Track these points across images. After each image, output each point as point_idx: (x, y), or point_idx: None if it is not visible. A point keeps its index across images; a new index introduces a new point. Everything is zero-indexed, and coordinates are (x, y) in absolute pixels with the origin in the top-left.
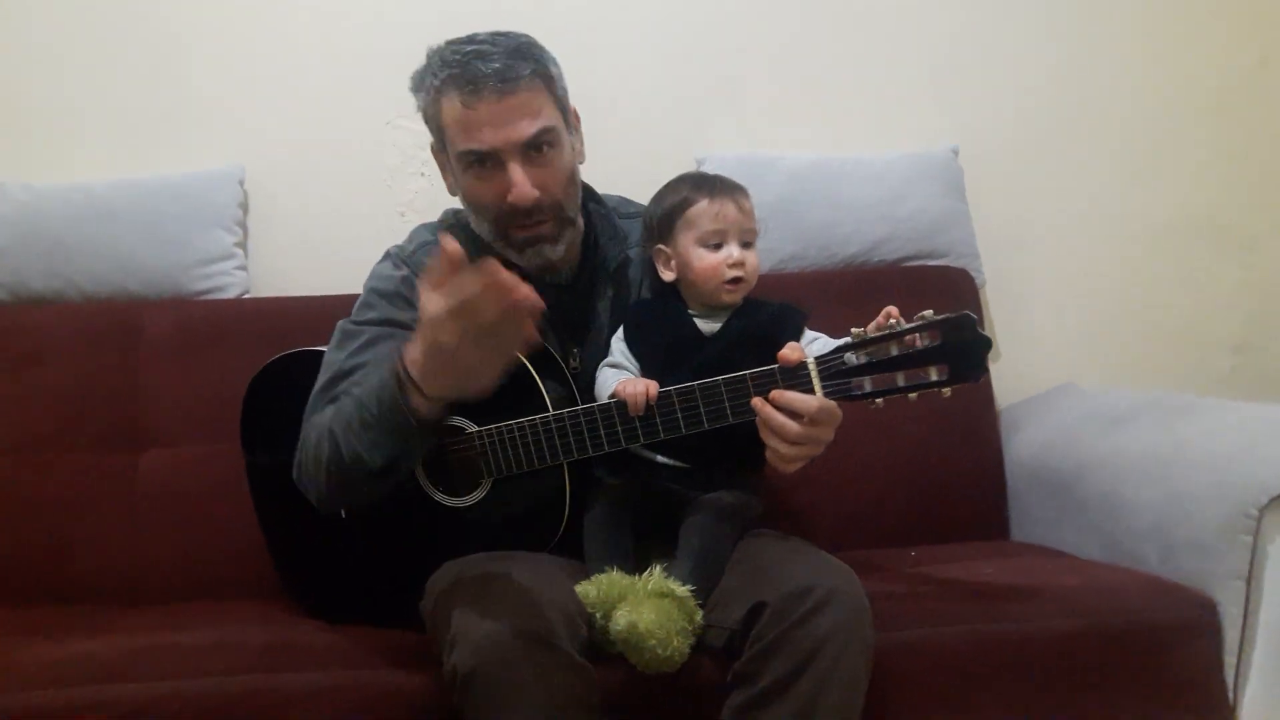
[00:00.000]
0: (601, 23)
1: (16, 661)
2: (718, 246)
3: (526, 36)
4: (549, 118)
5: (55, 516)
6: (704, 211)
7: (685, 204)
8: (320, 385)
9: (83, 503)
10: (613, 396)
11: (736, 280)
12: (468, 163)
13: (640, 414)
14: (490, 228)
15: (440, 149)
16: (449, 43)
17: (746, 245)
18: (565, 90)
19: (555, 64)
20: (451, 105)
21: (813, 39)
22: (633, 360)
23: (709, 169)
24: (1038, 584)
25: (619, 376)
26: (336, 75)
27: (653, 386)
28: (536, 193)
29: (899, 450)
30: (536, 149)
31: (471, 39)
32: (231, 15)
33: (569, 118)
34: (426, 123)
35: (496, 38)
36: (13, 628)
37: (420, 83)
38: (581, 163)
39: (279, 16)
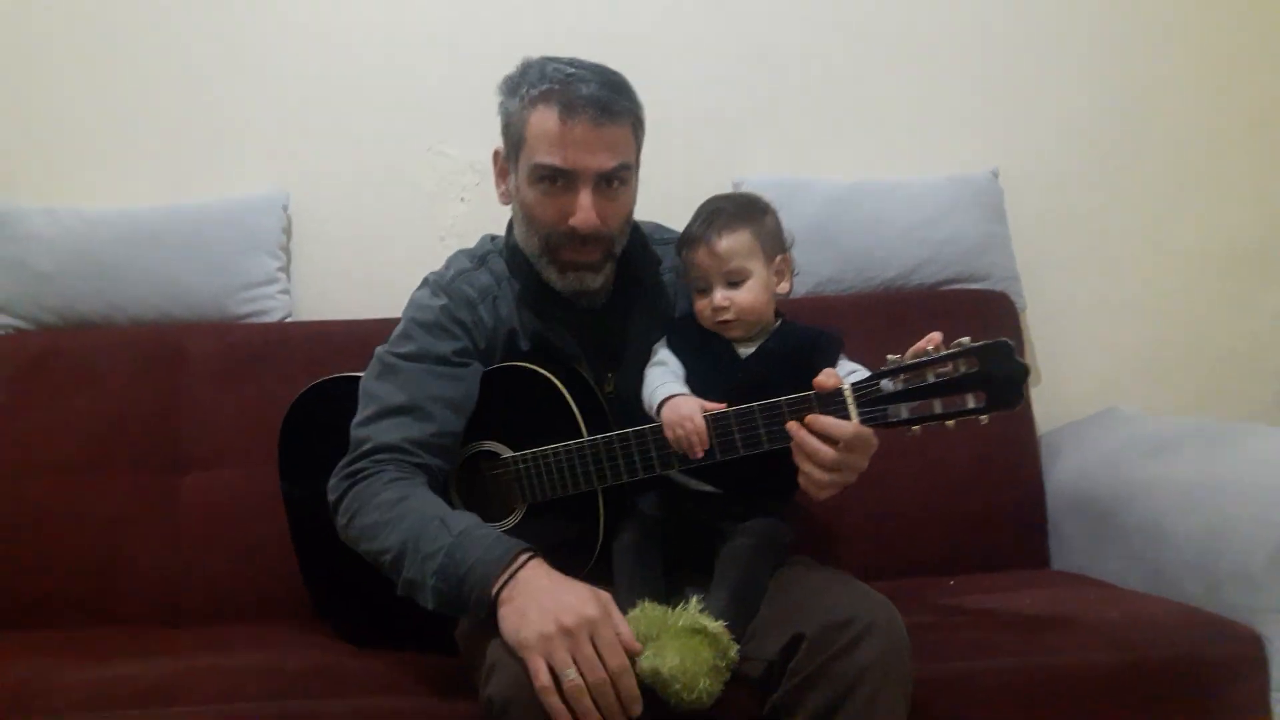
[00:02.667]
0: (640, 45)
1: (59, 683)
2: (703, 290)
3: (623, 76)
4: (628, 157)
5: (98, 537)
6: (687, 258)
7: (678, 246)
8: (362, 418)
9: (126, 523)
10: (661, 405)
11: (724, 321)
12: (540, 176)
13: (699, 454)
14: (539, 243)
15: (509, 156)
16: (550, 59)
17: (734, 284)
18: (643, 137)
19: (643, 109)
20: (543, 118)
21: (851, 61)
22: (678, 361)
23: (747, 190)
24: (1078, 616)
25: (665, 377)
26: (379, 102)
27: (699, 420)
28: (599, 223)
29: (936, 476)
30: (609, 182)
31: (574, 62)
32: (277, 44)
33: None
34: (505, 127)
35: (598, 68)
36: (56, 648)
37: (513, 88)
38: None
39: (324, 45)
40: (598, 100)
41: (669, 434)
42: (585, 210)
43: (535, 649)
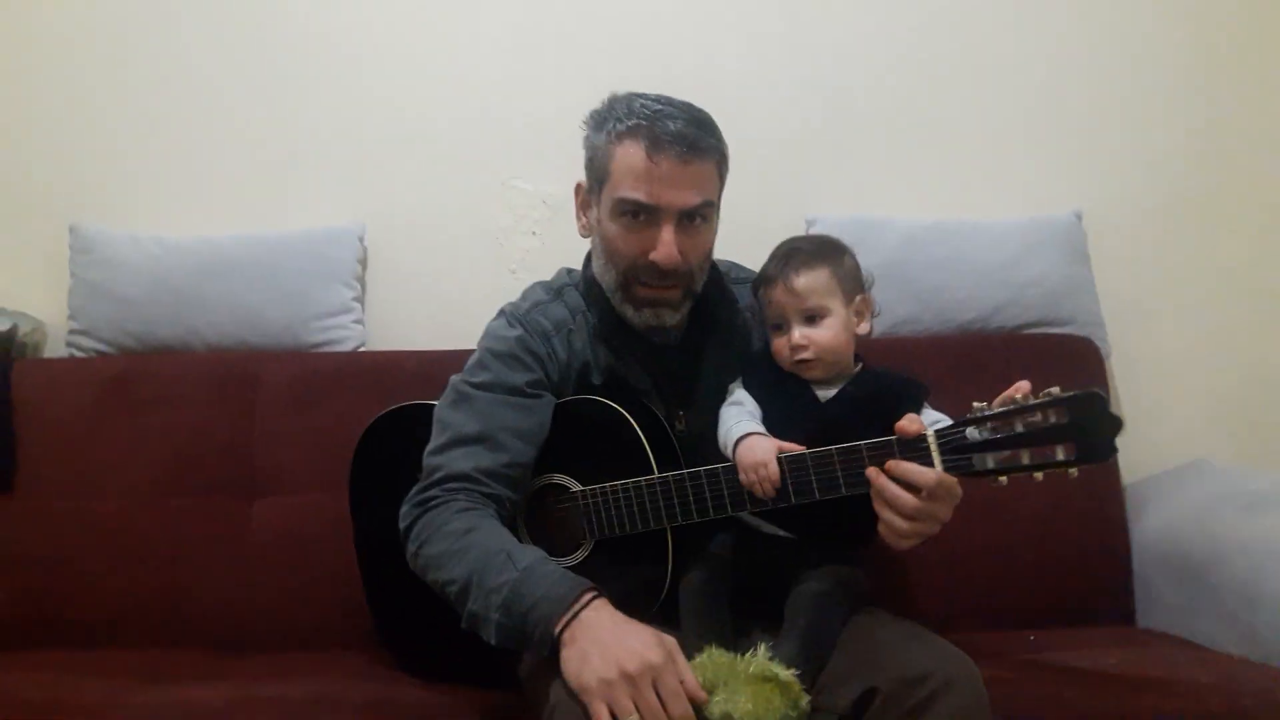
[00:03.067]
0: (716, 84)
1: (124, 704)
2: (779, 328)
3: (709, 114)
4: (712, 194)
5: (169, 560)
6: (764, 296)
7: (756, 285)
8: (436, 446)
9: (196, 547)
10: (736, 444)
11: (803, 361)
12: (623, 210)
13: (770, 496)
14: (617, 277)
15: (592, 189)
16: (637, 95)
17: (812, 320)
18: (727, 175)
19: (727, 148)
20: (630, 152)
21: (927, 100)
22: (755, 403)
23: (819, 230)
24: (1168, 677)
25: (742, 416)
26: (456, 137)
27: (773, 467)
28: (680, 259)
29: (1017, 526)
30: (691, 219)
31: (661, 99)
32: (356, 79)
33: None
34: (590, 160)
35: (685, 105)
36: (124, 670)
37: (600, 122)
38: None
39: (402, 80)
40: (684, 137)
41: (742, 476)
42: (667, 245)
43: (597, 694)
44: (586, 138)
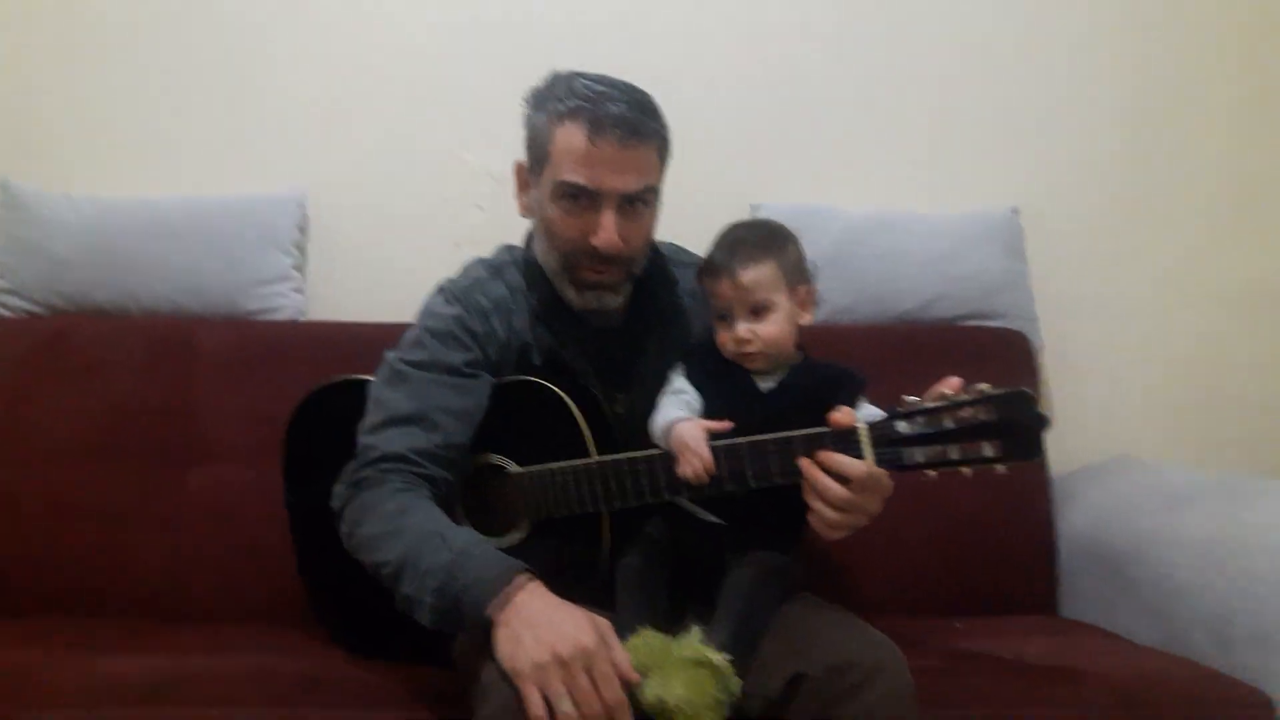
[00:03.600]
0: (660, 68)
1: (51, 676)
2: (724, 319)
3: (651, 97)
4: (653, 179)
5: (101, 527)
6: (708, 287)
7: (700, 273)
8: (370, 425)
9: (128, 515)
10: (669, 428)
11: (747, 353)
12: (564, 193)
13: (704, 481)
14: (558, 260)
15: (532, 169)
16: (579, 74)
17: (757, 313)
18: (669, 160)
19: (669, 132)
20: (571, 134)
21: (873, 91)
22: (696, 394)
23: (765, 216)
24: (1086, 668)
25: (678, 405)
26: (402, 106)
27: (704, 452)
28: (620, 244)
29: (946, 516)
30: (632, 203)
31: (603, 80)
32: (302, 42)
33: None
34: (530, 140)
35: (627, 88)
36: (52, 639)
37: (541, 102)
38: None
39: (349, 46)
40: (626, 121)
41: (677, 467)
42: (608, 230)
43: (530, 678)
44: (526, 116)
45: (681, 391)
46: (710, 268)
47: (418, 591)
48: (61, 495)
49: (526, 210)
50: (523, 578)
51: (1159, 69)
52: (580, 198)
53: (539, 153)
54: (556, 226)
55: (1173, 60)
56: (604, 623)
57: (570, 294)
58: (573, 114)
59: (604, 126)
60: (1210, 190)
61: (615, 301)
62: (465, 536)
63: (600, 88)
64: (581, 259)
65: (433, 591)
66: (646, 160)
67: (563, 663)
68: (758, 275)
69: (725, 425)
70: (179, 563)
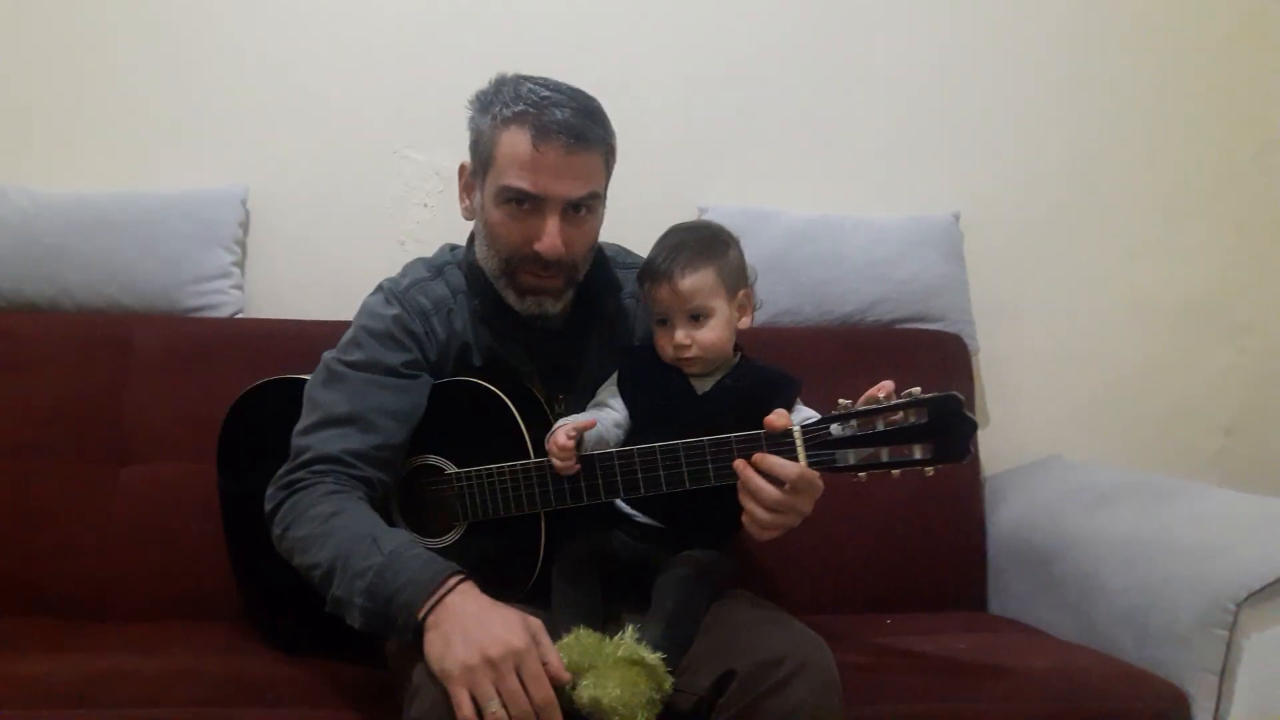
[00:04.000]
0: (608, 69)
1: None
2: (663, 323)
3: (598, 102)
4: (598, 185)
5: (30, 524)
6: (648, 292)
7: (640, 277)
8: (304, 426)
9: (59, 514)
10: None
11: (684, 359)
12: (507, 198)
13: (569, 473)
14: (500, 264)
15: (475, 172)
16: (525, 78)
17: (696, 319)
18: (614, 165)
19: (614, 137)
20: (515, 140)
21: (819, 96)
22: (621, 404)
23: (711, 218)
24: (1010, 664)
25: (592, 413)
26: (346, 102)
27: (560, 434)
28: (564, 250)
29: (879, 514)
30: (576, 210)
31: (549, 84)
32: (245, 35)
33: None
34: (475, 144)
35: (573, 93)
36: None
37: (485, 105)
38: None
39: (293, 40)
40: (571, 127)
41: (550, 443)
42: (551, 237)
43: (459, 680)
44: (471, 119)
45: (603, 405)
46: (650, 272)
47: (348, 594)
48: None
49: (469, 213)
50: (454, 579)
51: (1099, 81)
52: (524, 203)
53: (483, 157)
54: (499, 231)
55: (1112, 73)
56: (536, 622)
57: (511, 298)
58: (518, 119)
59: (549, 132)
60: (1144, 201)
61: (556, 307)
62: (398, 539)
63: (546, 92)
64: (523, 264)
65: (362, 593)
66: (591, 166)
67: (491, 663)
68: (696, 282)
69: (591, 422)
70: (109, 562)
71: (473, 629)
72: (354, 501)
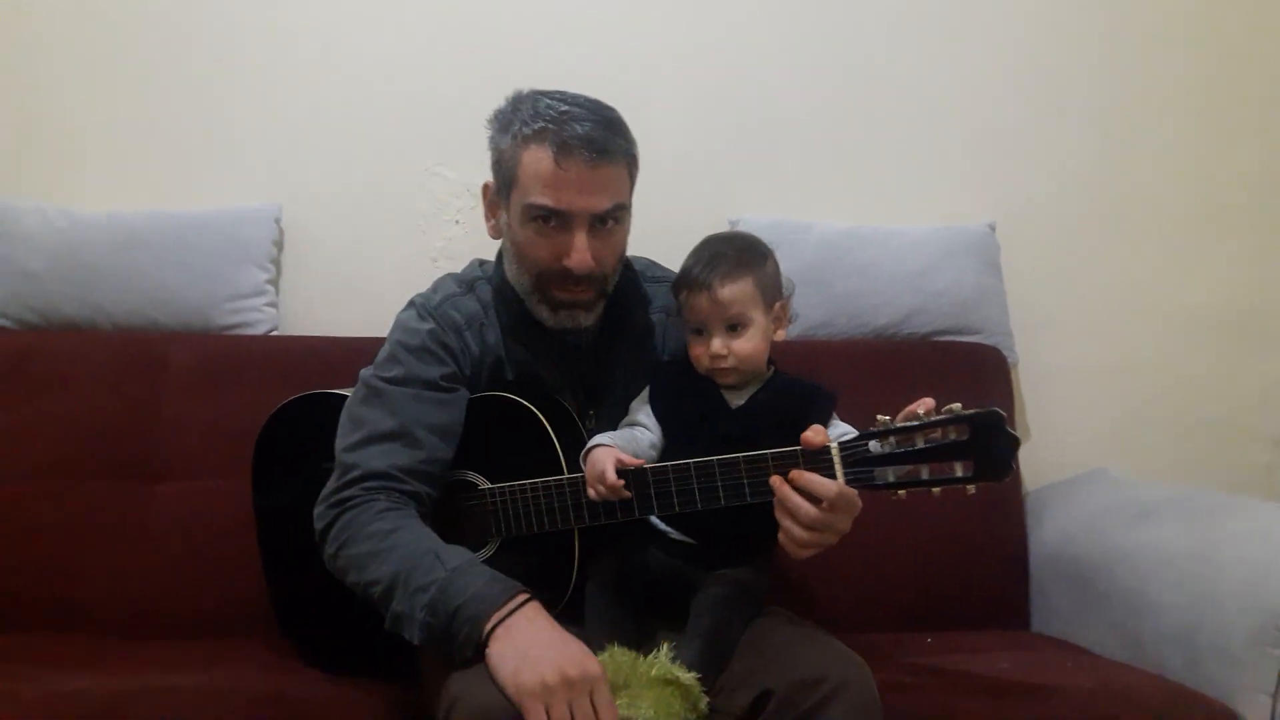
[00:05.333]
0: (638, 82)
1: (16, 692)
2: (699, 333)
3: (617, 112)
4: (623, 196)
5: (66, 542)
6: (684, 300)
7: (677, 286)
8: (350, 443)
9: (95, 530)
10: (586, 452)
11: (721, 368)
12: (533, 215)
13: (600, 500)
14: (530, 281)
15: (500, 191)
16: (542, 93)
17: (734, 329)
18: (637, 175)
19: (636, 147)
20: (537, 157)
21: (852, 106)
22: (655, 422)
23: (743, 230)
24: (1055, 684)
25: (627, 433)
26: (378, 120)
27: (610, 471)
28: (594, 264)
29: (919, 529)
30: (603, 222)
31: (565, 98)
32: (278, 56)
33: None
34: (497, 163)
35: (591, 104)
36: (11, 655)
37: (505, 124)
38: None
39: (325, 60)
40: (592, 141)
41: (590, 490)
42: (580, 252)
43: (536, 696)
44: (491, 139)
45: (637, 424)
46: (687, 281)
47: (409, 609)
48: (26, 509)
49: (495, 231)
50: (522, 596)
51: (1136, 89)
52: (550, 220)
53: (506, 176)
54: (528, 249)
55: (1149, 81)
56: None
57: (544, 313)
58: (538, 136)
59: (571, 148)
60: (1186, 210)
61: (589, 319)
62: (460, 555)
63: (564, 107)
64: (554, 280)
65: (425, 608)
66: (615, 178)
67: (570, 684)
68: (735, 291)
69: (639, 462)
70: (145, 579)
71: (546, 649)
72: (411, 518)
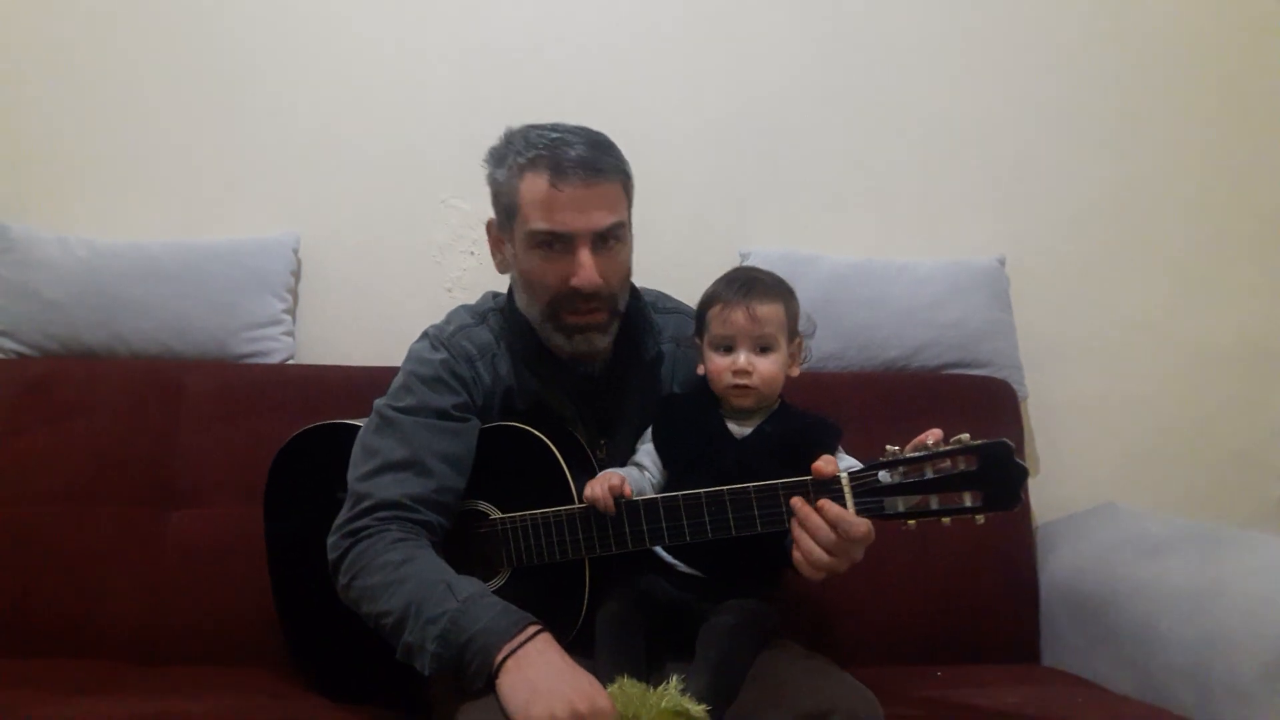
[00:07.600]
0: (649, 117)
1: (25, 716)
2: (728, 350)
3: (606, 135)
4: (622, 213)
5: (82, 568)
6: (717, 315)
7: (708, 303)
8: (362, 473)
9: (111, 557)
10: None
11: (742, 386)
12: (537, 242)
13: (612, 514)
14: (542, 309)
15: (503, 225)
16: (533, 126)
17: (763, 350)
18: (634, 193)
19: (629, 166)
20: (534, 184)
21: (861, 140)
22: (656, 461)
23: (753, 263)
24: (1064, 719)
25: (627, 470)
26: (394, 152)
27: (614, 483)
28: (601, 281)
29: (928, 562)
30: (605, 240)
31: (555, 127)
32: (296, 89)
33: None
34: (496, 197)
35: (580, 130)
36: (28, 680)
37: (500, 158)
38: None
39: (342, 93)
40: (585, 161)
41: (589, 495)
42: (586, 269)
43: None
44: (489, 175)
45: (640, 465)
46: (724, 296)
47: (420, 639)
48: (43, 535)
49: (503, 266)
50: (533, 628)
51: (1146, 122)
52: (554, 244)
53: (507, 207)
54: (535, 276)
55: (1160, 113)
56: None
57: (559, 340)
58: (533, 164)
59: (565, 170)
60: (1194, 243)
61: (604, 342)
62: (472, 586)
63: (556, 134)
64: (565, 304)
65: (436, 639)
66: (612, 196)
67: (579, 718)
68: (771, 311)
69: (627, 493)
70: (160, 605)
71: (556, 682)
72: (423, 549)
